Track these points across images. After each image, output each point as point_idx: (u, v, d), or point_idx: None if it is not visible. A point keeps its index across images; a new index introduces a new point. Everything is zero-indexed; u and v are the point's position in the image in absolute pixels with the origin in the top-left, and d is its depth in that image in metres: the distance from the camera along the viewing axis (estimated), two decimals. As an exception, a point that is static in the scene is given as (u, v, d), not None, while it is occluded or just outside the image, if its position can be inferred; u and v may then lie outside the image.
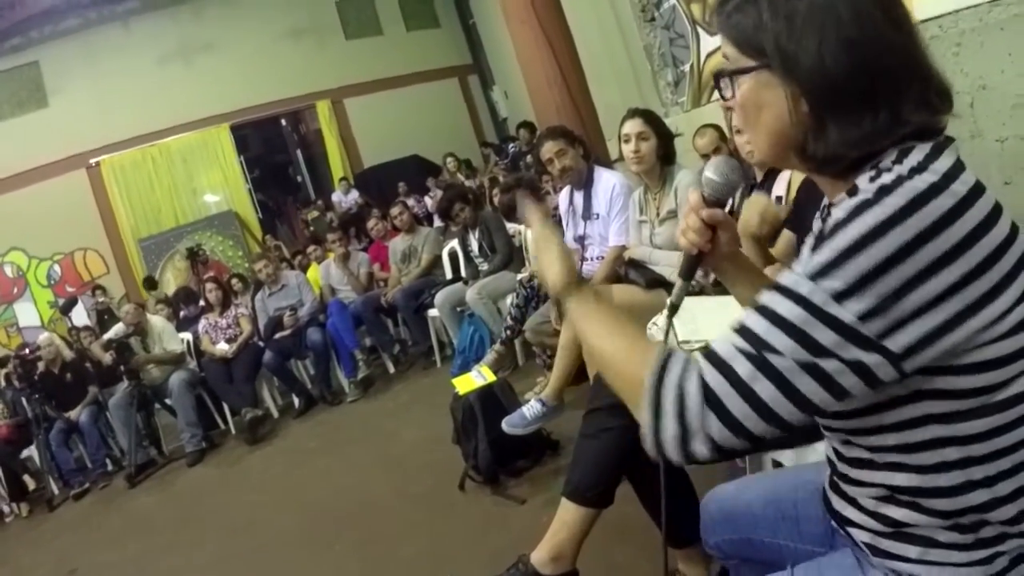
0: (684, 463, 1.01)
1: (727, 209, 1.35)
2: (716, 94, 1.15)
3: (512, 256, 6.01)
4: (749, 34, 1.05)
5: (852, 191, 0.96)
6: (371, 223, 8.21)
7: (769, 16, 1.02)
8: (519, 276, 5.29)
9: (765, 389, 0.93)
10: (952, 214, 0.90)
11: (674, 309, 1.37)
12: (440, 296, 6.13)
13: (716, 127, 4.92)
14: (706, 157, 4.81)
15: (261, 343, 6.89)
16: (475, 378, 3.84)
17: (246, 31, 13.82)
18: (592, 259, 4.31)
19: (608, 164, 4.68)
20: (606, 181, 4.20)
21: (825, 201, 1.15)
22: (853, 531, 1.15)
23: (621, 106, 6.68)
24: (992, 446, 0.98)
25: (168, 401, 6.57)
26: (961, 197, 0.91)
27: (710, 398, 0.96)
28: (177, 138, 13.57)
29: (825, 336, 0.91)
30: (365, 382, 6.60)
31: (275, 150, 15.84)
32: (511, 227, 6.20)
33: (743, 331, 0.97)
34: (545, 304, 4.55)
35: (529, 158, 9.22)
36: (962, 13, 3.39)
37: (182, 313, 8.72)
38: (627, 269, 3.62)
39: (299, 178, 15.64)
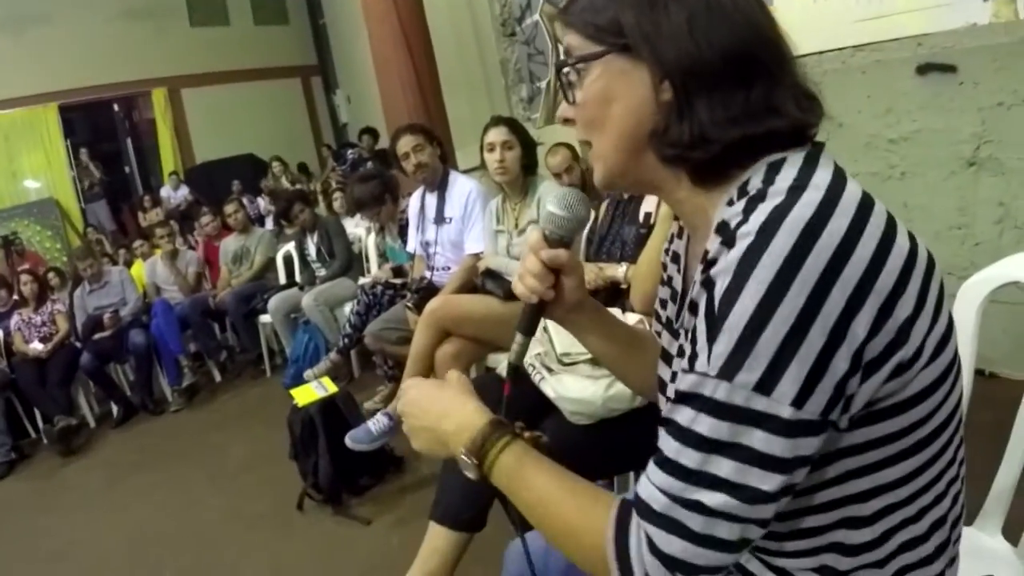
0: None
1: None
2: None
3: (351, 263, 5.83)
4: (603, 18, 0.91)
5: (723, 231, 0.81)
6: (204, 220, 7.75)
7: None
8: (361, 281, 5.11)
9: (727, 530, 0.78)
10: (849, 239, 0.75)
11: (516, 371, 1.15)
12: (274, 301, 5.87)
13: (569, 146, 4.92)
14: (558, 176, 4.81)
15: (78, 344, 6.33)
16: (315, 389, 3.61)
17: (85, 5, 12.69)
18: (439, 268, 4.17)
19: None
20: (462, 185, 4.07)
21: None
22: None
23: (471, 118, 6.66)
24: (913, 487, 0.87)
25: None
26: (853, 215, 0.77)
27: (672, 564, 0.80)
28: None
29: (763, 440, 0.76)
30: (190, 390, 6.21)
31: (104, 137, 14.71)
32: (351, 232, 6.02)
33: (673, 469, 0.80)
34: (389, 310, 4.36)
35: (370, 165, 9.04)
36: (827, 55, 3.63)
37: (-8, 308, 7.96)
38: (483, 279, 3.50)
39: (127, 169, 14.71)
